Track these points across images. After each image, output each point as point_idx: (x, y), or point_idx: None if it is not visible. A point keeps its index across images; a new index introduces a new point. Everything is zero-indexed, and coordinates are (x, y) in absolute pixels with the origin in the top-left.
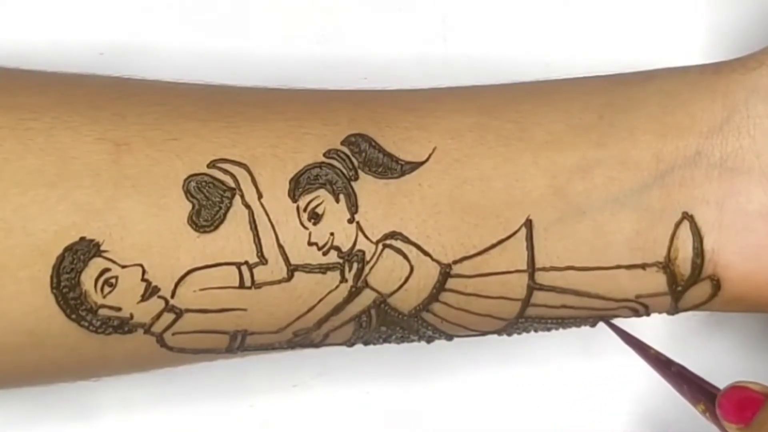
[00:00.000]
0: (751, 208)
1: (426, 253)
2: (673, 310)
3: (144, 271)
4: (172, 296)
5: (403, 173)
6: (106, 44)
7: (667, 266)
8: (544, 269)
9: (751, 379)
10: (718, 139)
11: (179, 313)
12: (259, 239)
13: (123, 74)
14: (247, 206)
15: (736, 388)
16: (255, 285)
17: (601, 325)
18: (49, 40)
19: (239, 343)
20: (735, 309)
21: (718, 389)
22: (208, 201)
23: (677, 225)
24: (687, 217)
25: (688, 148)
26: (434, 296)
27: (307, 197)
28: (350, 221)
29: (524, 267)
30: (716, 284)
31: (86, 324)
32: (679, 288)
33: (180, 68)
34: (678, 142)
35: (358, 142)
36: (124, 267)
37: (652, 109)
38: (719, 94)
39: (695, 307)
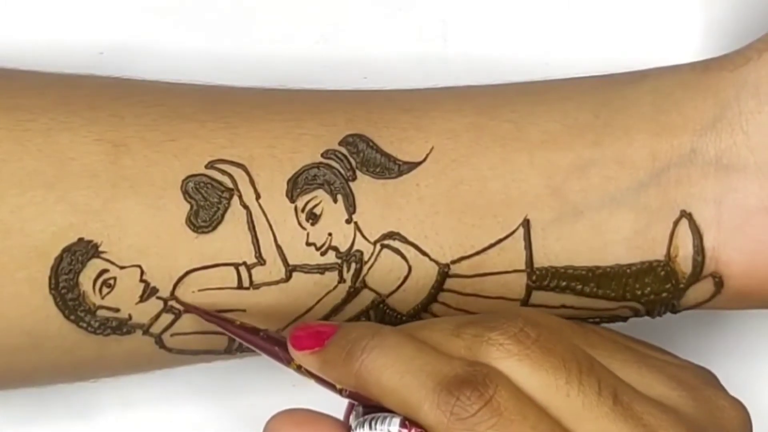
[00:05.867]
0: (749, 204)
1: (424, 254)
2: (675, 308)
3: (142, 272)
4: (171, 297)
5: (400, 173)
6: (106, 44)
7: (668, 265)
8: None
9: (751, 378)
10: (711, 137)
11: (178, 314)
12: (257, 240)
13: (123, 74)
14: (245, 207)
15: (305, 325)
16: (253, 285)
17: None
18: (49, 40)
19: (238, 344)
20: (739, 306)
21: None
22: (206, 202)
23: (676, 223)
24: (685, 215)
25: (683, 146)
26: (433, 296)
27: (305, 197)
28: (348, 221)
29: (523, 267)
30: (719, 282)
31: (85, 325)
32: (681, 286)
33: (180, 68)
34: (672, 141)
35: (355, 143)
36: (122, 268)
37: (645, 109)
38: (710, 91)
39: (698, 305)
